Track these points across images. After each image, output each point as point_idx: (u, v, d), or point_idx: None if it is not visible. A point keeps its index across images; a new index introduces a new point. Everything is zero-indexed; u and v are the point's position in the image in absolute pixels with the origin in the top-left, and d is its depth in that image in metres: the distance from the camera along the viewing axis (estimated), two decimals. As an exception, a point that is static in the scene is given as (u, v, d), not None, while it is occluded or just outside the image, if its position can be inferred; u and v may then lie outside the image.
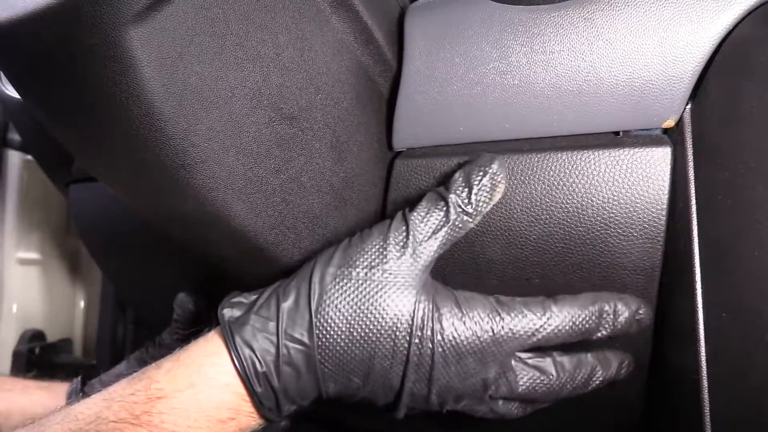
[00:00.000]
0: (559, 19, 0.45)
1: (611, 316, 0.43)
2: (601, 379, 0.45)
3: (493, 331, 0.42)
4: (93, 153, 0.41)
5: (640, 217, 0.43)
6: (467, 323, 0.42)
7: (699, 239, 0.40)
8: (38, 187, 1.08)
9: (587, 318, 0.43)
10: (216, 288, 0.67)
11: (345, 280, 0.42)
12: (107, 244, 0.78)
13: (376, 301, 0.41)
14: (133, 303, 0.88)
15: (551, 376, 0.44)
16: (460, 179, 0.43)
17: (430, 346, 0.41)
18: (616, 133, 0.44)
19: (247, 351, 0.41)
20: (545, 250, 0.45)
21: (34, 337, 1.04)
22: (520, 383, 0.43)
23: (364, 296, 0.42)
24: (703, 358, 0.39)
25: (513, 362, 0.43)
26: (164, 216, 0.45)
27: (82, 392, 0.68)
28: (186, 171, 0.37)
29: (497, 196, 0.44)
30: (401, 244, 0.43)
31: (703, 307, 0.40)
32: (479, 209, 0.43)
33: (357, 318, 0.41)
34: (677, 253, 0.42)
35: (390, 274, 0.42)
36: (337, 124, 0.46)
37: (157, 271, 0.74)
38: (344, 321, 0.41)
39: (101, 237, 0.78)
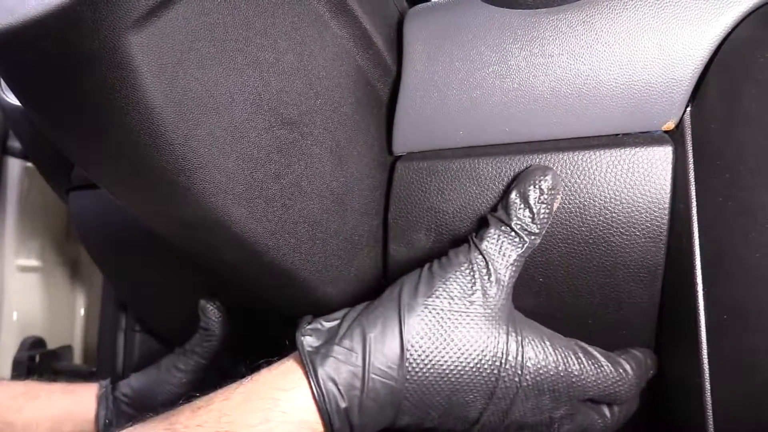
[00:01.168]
0: (557, 23, 0.45)
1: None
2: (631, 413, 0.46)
3: (575, 373, 0.41)
4: (93, 159, 0.41)
5: (642, 217, 0.43)
6: (553, 360, 0.41)
7: (700, 241, 0.40)
8: (38, 194, 1.08)
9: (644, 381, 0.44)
10: (219, 293, 0.67)
11: (433, 312, 0.41)
12: (108, 250, 0.78)
13: (468, 333, 0.40)
14: (134, 308, 0.88)
15: (606, 419, 0.44)
16: (518, 200, 0.43)
17: (517, 380, 0.40)
18: (616, 134, 0.44)
19: (330, 386, 0.38)
20: (549, 250, 0.45)
21: (35, 344, 1.04)
22: (581, 424, 0.43)
23: (454, 329, 0.40)
24: (705, 360, 0.39)
25: (580, 403, 0.43)
26: (165, 221, 0.45)
27: (113, 397, 0.67)
28: (186, 176, 0.37)
29: (556, 206, 0.44)
30: (484, 274, 0.42)
31: (705, 308, 0.40)
32: (544, 226, 0.43)
33: (446, 351, 0.40)
34: (679, 253, 0.42)
35: (479, 305, 0.41)
36: (337, 128, 0.46)
37: (159, 276, 0.74)
38: (434, 354, 0.40)
39: (102, 243, 0.78)
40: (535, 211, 0.42)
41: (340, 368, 0.39)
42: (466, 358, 0.40)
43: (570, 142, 0.45)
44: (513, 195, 0.43)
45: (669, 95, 0.42)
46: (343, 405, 0.38)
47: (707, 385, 0.39)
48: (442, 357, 0.40)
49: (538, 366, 0.41)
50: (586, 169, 0.44)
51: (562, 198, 0.45)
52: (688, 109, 0.43)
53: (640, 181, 0.43)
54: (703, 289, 0.40)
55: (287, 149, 0.42)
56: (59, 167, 0.80)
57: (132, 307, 0.88)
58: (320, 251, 0.47)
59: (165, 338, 0.88)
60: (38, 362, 1.04)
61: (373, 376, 0.39)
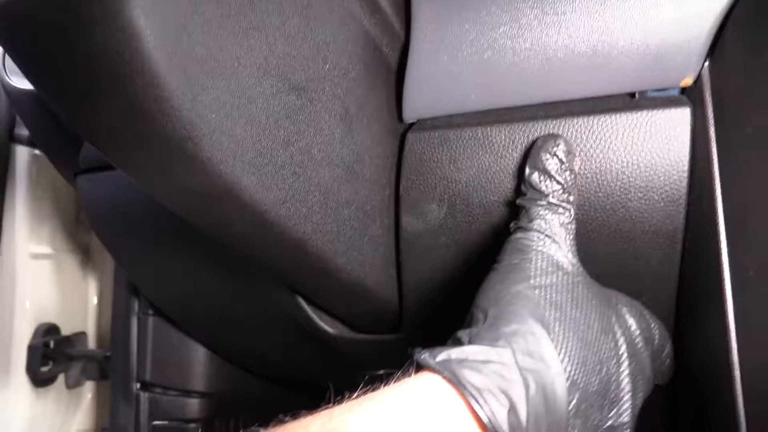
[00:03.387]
0: (570, -21, 0.43)
1: None
2: None
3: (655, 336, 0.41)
4: (100, 130, 0.41)
5: (660, 180, 0.42)
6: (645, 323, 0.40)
7: (722, 198, 0.39)
8: (47, 181, 1.07)
9: None
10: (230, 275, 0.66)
11: (538, 290, 0.37)
12: (119, 232, 0.77)
13: (590, 297, 0.38)
14: (146, 292, 0.88)
15: None
16: (542, 176, 0.41)
17: (637, 347, 0.38)
18: (632, 95, 0.43)
19: (493, 400, 0.31)
20: (563, 217, 0.44)
21: (49, 331, 1.04)
22: None
23: (576, 296, 0.37)
24: (731, 318, 0.38)
25: None
26: (174, 193, 0.44)
27: None
28: (194, 144, 0.37)
29: (578, 167, 0.43)
30: (557, 250, 0.39)
31: (730, 266, 0.38)
32: (574, 189, 0.42)
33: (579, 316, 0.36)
34: (700, 214, 0.41)
35: (575, 274, 0.39)
36: (346, 95, 0.45)
37: (170, 258, 0.74)
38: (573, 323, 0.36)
39: (112, 226, 0.77)
40: (561, 180, 0.41)
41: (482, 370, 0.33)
42: (594, 321, 0.37)
43: (584, 106, 0.44)
44: (535, 173, 0.42)
45: (686, 50, 0.40)
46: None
47: (734, 345, 0.38)
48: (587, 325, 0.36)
49: (640, 329, 0.39)
50: (601, 133, 0.43)
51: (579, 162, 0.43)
52: (706, 64, 0.41)
53: (658, 144, 0.42)
54: (728, 247, 0.39)
55: (296, 115, 0.41)
56: (66, 151, 0.79)
57: (144, 291, 0.88)
58: (332, 221, 0.46)
59: (178, 323, 0.88)
60: (53, 348, 1.04)
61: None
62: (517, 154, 0.45)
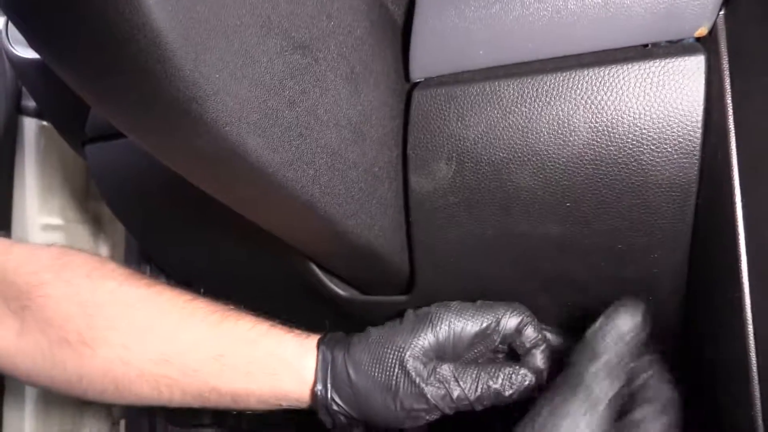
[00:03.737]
0: (580, -73, 0.42)
1: None
2: None
3: None
4: (104, 93, 0.40)
5: (674, 132, 0.41)
6: None
7: (737, 149, 0.38)
8: (56, 152, 1.07)
9: None
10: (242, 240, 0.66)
11: None
12: (129, 201, 0.77)
13: None
14: (158, 259, 0.88)
15: None
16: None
17: None
18: (645, 45, 0.42)
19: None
20: (575, 172, 0.44)
21: (63, 301, 1.05)
22: None
23: None
24: (745, 273, 0.37)
25: None
26: (181, 156, 0.44)
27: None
28: (198, 104, 0.36)
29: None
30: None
31: (744, 220, 0.38)
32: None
33: None
34: (714, 167, 0.40)
35: None
36: (351, 54, 0.44)
37: (181, 226, 0.74)
38: None
39: (122, 194, 0.77)
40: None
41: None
42: None
43: (595, 57, 0.43)
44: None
45: (702, -2, 0.39)
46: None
47: (748, 299, 0.37)
48: None
49: None
50: (613, 84, 0.42)
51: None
52: (721, 12, 0.40)
53: (672, 94, 0.41)
54: (742, 199, 0.38)
55: (301, 75, 0.40)
56: (73, 120, 0.79)
57: (155, 258, 0.88)
58: (340, 183, 0.46)
59: (190, 290, 0.88)
60: (67, 319, 1.05)
61: None
62: (525, 110, 0.44)
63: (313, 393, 0.49)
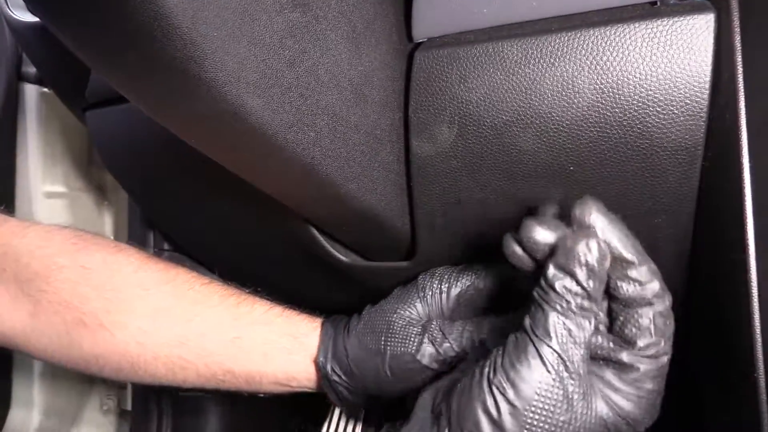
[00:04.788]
0: None
1: None
2: None
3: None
4: (103, 54, 0.39)
5: (681, 93, 0.40)
6: None
7: (746, 111, 0.38)
8: (58, 119, 1.07)
9: None
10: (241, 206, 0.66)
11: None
12: (131, 166, 0.77)
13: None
14: (161, 226, 0.88)
15: None
16: (567, 284, 0.37)
17: None
18: (653, 3, 0.41)
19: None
20: (579, 135, 0.43)
21: (67, 268, 1.05)
22: None
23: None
24: (751, 235, 0.37)
25: None
26: (182, 119, 0.43)
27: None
28: (196, 64, 0.35)
29: (607, 266, 0.38)
30: (567, 377, 0.37)
31: (752, 183, 0.37)
32: (600, 297, 0.38)
33: None
34: (722, 129, 0.40)
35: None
36: (352, 12, 0.43)
37: (184, 190, 0.73)
38: None
39: (124, 160, 0.77)
40: (589, 290, 0.37)
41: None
42: None
43: (601, 16, 0.42)
44: (560, 276, 0.37)
45: (712, -48, 0.38)
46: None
47: (753, 263, 0.37)
48: None
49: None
50: (619, 44, 0.41)
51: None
52: (733, -31, 0.39)
53: (680, 54, 0.40)
54: (750, 161, 0.37)
55: (301, 34, 0.40)
56: (74, 85, 0.78)
57: (159, 225, 0.88)
58: (341, 146, 0.46)
59: (194, 257, 0.88)
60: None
61: None
62: (529, 71, 0.44)
63: (316, 365, 0.51)
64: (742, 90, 0.38)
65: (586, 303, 0.37)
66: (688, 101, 0.40)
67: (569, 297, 0.37)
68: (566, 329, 0.37)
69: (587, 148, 0.43)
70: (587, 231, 0.38)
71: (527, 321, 0.38)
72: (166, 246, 0.93)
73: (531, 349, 0.37)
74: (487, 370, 0.38)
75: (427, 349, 0.48)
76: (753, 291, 0.37)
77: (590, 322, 0.38)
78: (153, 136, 0.69)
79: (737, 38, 0.38)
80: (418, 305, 0.50)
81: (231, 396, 0.91)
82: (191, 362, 0.53)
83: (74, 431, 1.08)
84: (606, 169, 0.44)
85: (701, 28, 0.39)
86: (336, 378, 0.51)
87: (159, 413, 0.89)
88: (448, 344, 0.47)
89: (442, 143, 0.48)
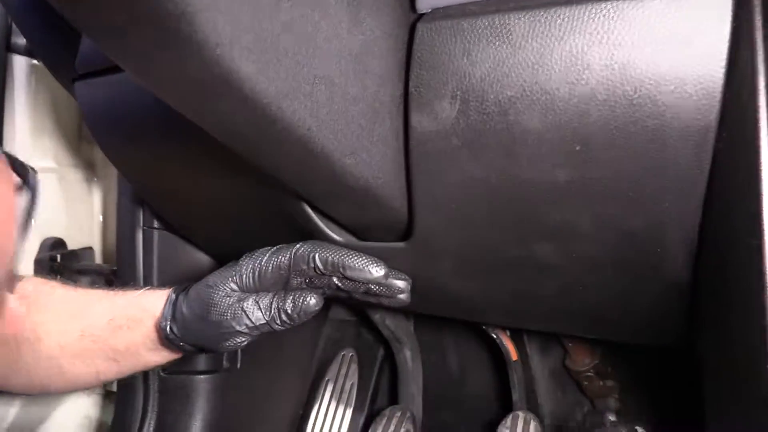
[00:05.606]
0: None
1: None
2: None
3: None
4: (92, 16, 0.37)
5: (695, 71, 0.38)
6: None
7: (765, 90, 0.36)
8: (48, 92, 1.04)
9: None
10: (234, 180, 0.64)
11: None
12: (120, 140, 0.75)
13: None
14: (151, 201, 0.86)
15: None
16: None
17: None
18: (670, -25, 0.39)
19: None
20: (587, 113, 0.41)
21: (55, 245, 1.03)
22: None
23: None
24: (767, 218, 0.35)
25: None
26: (174, 86, 0.41)
27: None
28: (187, 22, 0.33)
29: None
30: None
31: (768, 164, 0.36)
32: None
33: None
34: (738, 109, 0.38)
35: None
36: (353, -23, 0.41)
37: (175, 165, 0.71)
38: None
39: (114, 133, 0.75)
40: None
41: None
42: None
43: (614, -11, 0.40)
44: None
45: None
46: None
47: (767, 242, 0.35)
48: None
49: None
50: (632, 18, 0.39)
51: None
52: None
53: (695, 30, 0.38)
54: None
55: (298, -4, 0.38)
56: (63, 56, 0.76)
57: (149, 201, 0.86)
58: (338, 118, 0.44)
59: (185, 233, 0.86)
60: (59, 263, 1.03)
61: None
62: (537, 44, 0.42)
63: (158, 327, 0.60)
64: (762, 70, 0.36)
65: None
66: (703, 80, 0.38)
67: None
68: None
69: (595, 127, 0.42)
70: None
71: None
72: (156, 224, 0.91)
73: None
74: None
75: (242, 318, 0.56)
76: (765, 268, 0.35)
77: None
78: (144, 108, 0.67)
79: (757, 13, 0.36)
80: (236, 277, 0.58)
81: (218, 377, 0.90)
82: (92, 350, 0.62)
83: (58, 414, 1.06)
84: (614, 149, 0.42)
85: (719, 3, 0.37)
86: (173, 336, 0.59)
87: (145, 393, 0.87)
88: (258, 314, 0.56)
89: (443, 120, 0.46)
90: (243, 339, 0.58)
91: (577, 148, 0.43)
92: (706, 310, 0.48)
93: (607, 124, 0.41)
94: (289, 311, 0.55)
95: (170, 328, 0.60)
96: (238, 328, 0.57)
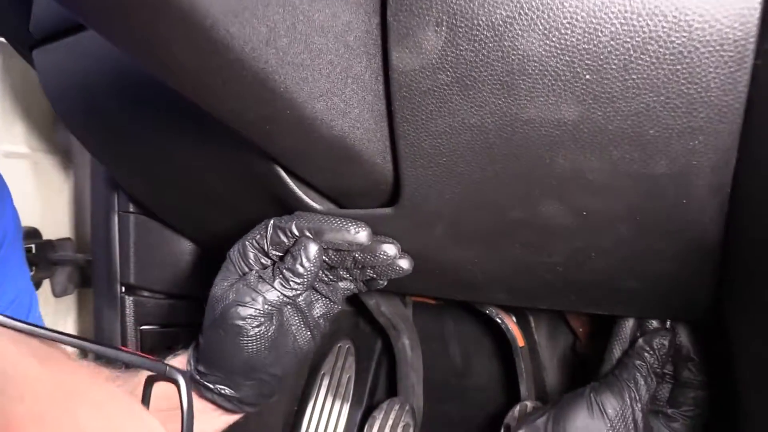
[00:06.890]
0: None
1: None
2: None
3: None
4: None
5: (728, 35, 0.32)
6: None
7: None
8: (18, 73, 0.98)
9: None
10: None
11: None
12: (83, 110, 0.68)
13: None
14: (122, 180, 0.80)
15: None
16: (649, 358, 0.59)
17: None
18: None
19: None
20: (598, 31, 0.34)
21: (29, 234, 0.97)
22: None
23: None
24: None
25: None
26: (151, 43, 0.34)
27: None
28: None
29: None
30: None
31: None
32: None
33: None
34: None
35: None
36: None
37: (142, 136, 0.65)
38: None
39: (75, 104, 0.68)
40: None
41: None
42: None
43: None
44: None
45: None
46: None
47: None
48: None
49: None
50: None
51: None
52: None
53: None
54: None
55: None
56: (16, 21, 0.69)
57: (119, 179, 0.80)
58: (303, 50, 0.37)
59: (158, 212, 0.80)
60: (35, 253, 0.97)
61: None
62: (537, -49, 0.35)
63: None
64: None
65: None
66: (734, 45, 0.32)
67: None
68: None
69: (608, 48, 0.35)
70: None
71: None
72: (131, 208, 0.85)
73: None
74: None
75: (257, 298, 0.51)
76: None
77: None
78: (102, 75, 0.61)
79: None
80: (227, 280, 0.54)
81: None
82: None
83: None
84: (631, 75, 0.35)
85: None
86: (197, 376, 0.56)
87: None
88: (267, 286, 0.51)
89: (427, 53, 0.39)
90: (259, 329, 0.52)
91: (587, 76, 0.36)
92: (739, 276, 0.42)
93: (622, 44, 0.34)
94: (291, 266, 0.50)
95: (193, 365, 0.56)
96: (252, 312, 0.51)
